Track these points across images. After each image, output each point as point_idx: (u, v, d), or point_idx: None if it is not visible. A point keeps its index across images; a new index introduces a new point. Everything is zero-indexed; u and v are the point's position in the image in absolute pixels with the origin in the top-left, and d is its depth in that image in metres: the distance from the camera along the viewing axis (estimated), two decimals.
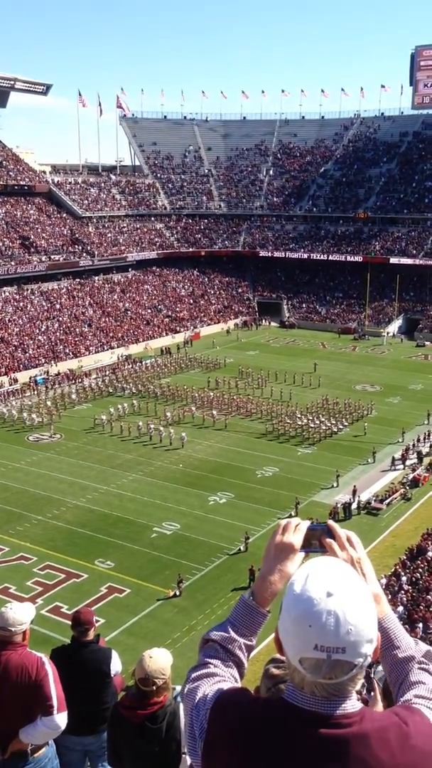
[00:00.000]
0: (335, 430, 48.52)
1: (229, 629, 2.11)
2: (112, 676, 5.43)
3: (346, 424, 49.78)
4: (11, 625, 4.28)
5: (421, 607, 25.33)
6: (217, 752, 1.83)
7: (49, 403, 54.15)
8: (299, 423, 48.83)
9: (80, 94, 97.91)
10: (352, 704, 1.76)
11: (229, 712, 1.86)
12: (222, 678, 2.00)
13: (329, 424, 48.86)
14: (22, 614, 4.36)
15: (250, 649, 2.12)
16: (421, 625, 23.99)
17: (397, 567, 29.26)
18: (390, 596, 26.33)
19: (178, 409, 52.05)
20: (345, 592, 1.74)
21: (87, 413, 51.96)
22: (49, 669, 4.27)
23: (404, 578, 27.93)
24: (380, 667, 3.27)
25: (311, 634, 1.71)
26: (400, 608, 25.07)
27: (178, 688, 4.57)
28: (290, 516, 36.19)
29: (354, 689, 1.78)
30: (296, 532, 2.15)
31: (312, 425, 48.40)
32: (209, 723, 1.87)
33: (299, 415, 49.97)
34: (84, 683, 5.11)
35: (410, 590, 27.03)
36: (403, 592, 26.75)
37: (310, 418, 49.60)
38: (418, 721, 1.78)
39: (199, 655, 2.12)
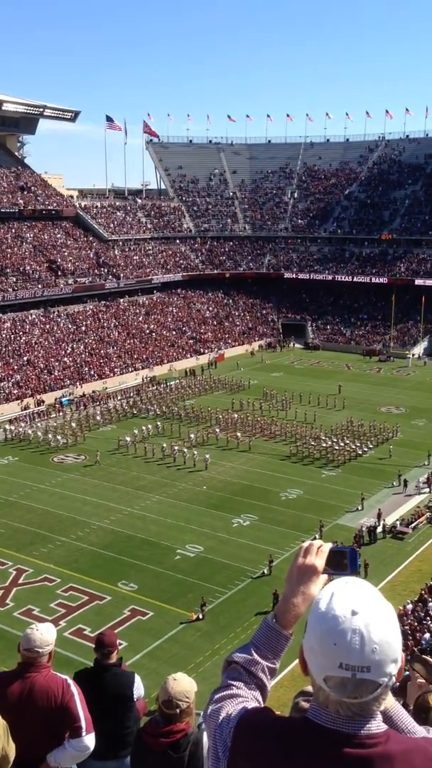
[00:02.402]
0: (360, 452, 48.15)
1: (253, 652, 2.12)
2: (135, 700, 5.40)
3: (371, 446, 49.38)
4: (38, 646, 4.25)
5: None
6: (240, 765, 1.85)
7: (74, 424, 54.46)
8: (323, 445, 48.54)
9: (109, 120, 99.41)
10: (377, 725, 1.75)
11: (252, 730, 1.86)
12: (245, 699, 2.01)
13: (354, 447, 48.50)
14: (48, 635, 4.34)
15: (273, 672, 2.12)
16: None
17: (423, 593, 28.76)
18: (416, 623, 25.89)
19: (202, 431, 52.04)
20: (370, 611, 1.75)
21: (111, 434, 52.15)
22: (75, 690, 4.26)
23: (431, 604, 27.44)
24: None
25: (336, 653, 1.72)
26: (427, 635, 24.62)
27: (212, 692, 4.52)
28: (314, 539, 35.87)
29: (379, 709, 1.77)
30: (319, 554, 2.14)
31: (336, 447, 48.09)
32: (233, 741, 1.88)
33: (323, 437, 49.70)
34: (106, 707, 5.08)
35: None
36: (429, 618, 26.27)
37: (335, 440, 49.30)
38: None
39: (222, 677, 2.13)
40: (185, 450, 47.30)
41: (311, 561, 2.13)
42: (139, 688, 5.44)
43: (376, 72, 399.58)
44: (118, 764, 5.24)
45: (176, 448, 47.60)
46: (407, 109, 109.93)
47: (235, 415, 55.43)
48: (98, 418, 56.44)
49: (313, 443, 48.96)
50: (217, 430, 51.82)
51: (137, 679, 5.48)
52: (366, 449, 48.68)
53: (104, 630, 7.25)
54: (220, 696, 2.04)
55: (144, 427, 52.16)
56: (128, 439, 49.55)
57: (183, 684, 3.87)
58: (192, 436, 50.24)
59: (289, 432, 51.68)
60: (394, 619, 1.79)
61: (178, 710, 3.82)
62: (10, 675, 4.30)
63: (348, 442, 49.13)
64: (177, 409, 58.10)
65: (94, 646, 5.55)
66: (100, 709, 4.81)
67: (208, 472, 44.76)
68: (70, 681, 4.32)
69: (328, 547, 2.16)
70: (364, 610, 1.74)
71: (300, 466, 46.39)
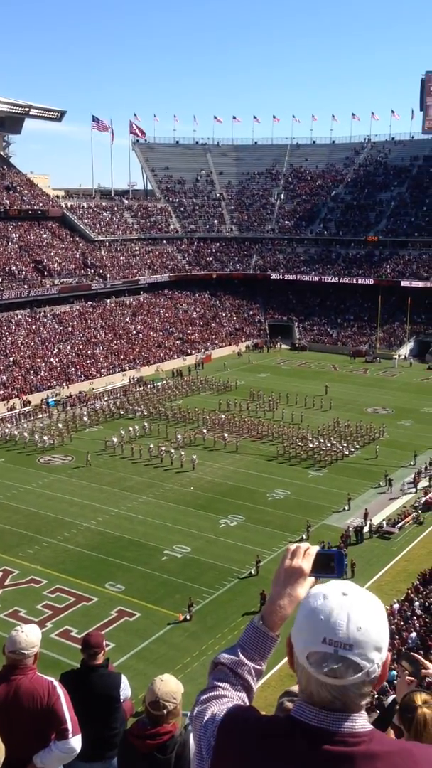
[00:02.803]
0: (346, 452, 48.32)
1: (239, 653, 2.12)
2: (122, 701, 5.39)
3: (357, 446, 49.58)
4: (23, 648, 4.24)
5: None
6: (224, 765, 1.86)
7: (60, 425, 54.28)
8: (310, 446, 48.67)
9: (95, 120, 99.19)
10: (362, 724, 1.76)
11: (237, 728, 1.87)
12: (231, 700, 2.02)
13: (340, 447, 48.68)
14: (33, 637, 4.32)
15: (260, 673, 2.12)
16: None
17: (410, 592, 28.91)
18: (402, 622, 26.01)
19: (189, 432, 52.04)
20: (360, 595, 1.80)
21: (98, 435, 52.03)
22: (61, 692, 4.24)
23: (417, 603, 27.58)
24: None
25: (322, 627, 1.75)
26: (413, 634, 24.73)
27: (198, 693, 4.51)
28: (301, 539, 35.99)
29: (361, 704, 1.77)
30: (306, 556, 2.15)
31: (323, 448, 48.24)
32: (217, 740, 1.89)
33: (310, 438, 49.83)
34: (93, 708, 5.06)
35: (423, 616, 26.67)
36: (416, 617, 26.40)
37: (322, 440, 49.45)
38: (424, 751, 1.78)
39: (209, 678, 2.13)
40: (172, 451, 47.28)
41: (298, 563, 2.13)
42: (125, 689, 5.42)
43: (361, 74, 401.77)
44: (105, 765, 5.23)
45: (163, 448, 47.57)
46: (393, 112, 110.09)
47: (222, 416, 55.47)
48: (85, 418, 56.29)
49: (300, 444, 49.09)
50: (204, 431, 51.83)
51: (124, 680, 5.46)
52: (353, 449, 48.87)
53: (91, 631, 7.23)
54: (205, 697, 2.04)
55: (131, 428, 52.07)
56: (115, 439, 49.45)
57: (170, 685, 3.86)
58: (179, 436, 50.23)
59: (276, 433, 51.79)
60: (382, 609, 1.82)
61: (165, 711, 3.81)
62: None
63: (335, 442, 49.31)
64: (164, 409, 58.06)
65: (80, 647, 5.52)
66: (87, 710, 4.79)
67: (196, 473, 44.75)
68: (56, 683, 4.30)
69: (315, 549, 2.16)
70: (354, 593, 1.79)
71: (287, 466, 46.49)
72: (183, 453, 46.65)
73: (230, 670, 2.10)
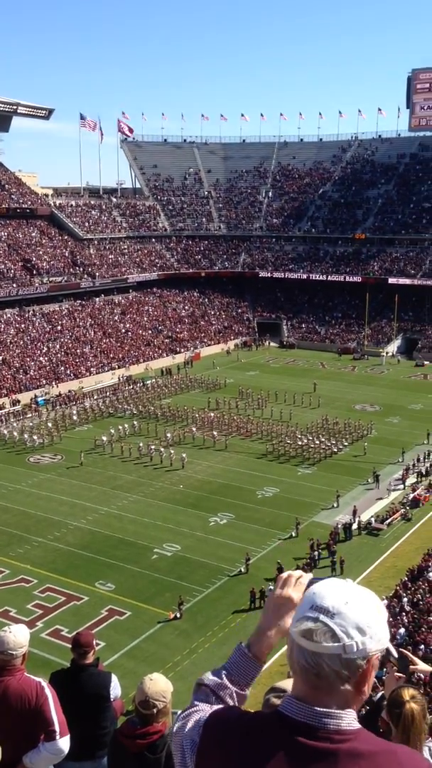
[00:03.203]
0: (335, 450, 48.50)
1: (223, 676, 2.12)
2: (112, 700, 5.43)
3: (346, 444, 49.77)
4: (11, 648, 4.24)
5: (423, 629, 25.16)
6: (208, 761, 1.88)
7: (50, 424, 54.15)
8: (299, 443, 48.81)
9: (83, 117, 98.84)
10: (349, 722, 1.77)
11: (221, 724, 1.90)
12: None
13: (329, 444, 48.85)
14: (21, 637, 4.32)
15: (243, 699, 2.12)
16: (423, 646, 23.82)
17: (398, 588, 29.10)
18: (391, 618, 26.17)
19: (179, 430, 52.06)
20: (360, 587, 1.87)
21: (88, 434, 51.94)
22: (49, 693, 4.25)
23: (405, 599, 27.78)
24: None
25: (313, 598, 1.82)
26: (402, 630, 24.92)
27: (179, 713, 4.56)
28: (290, 537, 36.13)
29: (337, 692, 1.78)
30: (297, 586, 2.11)
31: (312, 445, 48.38)
32: (201, 737, 1.91)
33: (299, 436, 49.97)
34: (83, 707, 5.09)
35: (411, 611, 26.87)
36: (404, 613, 26.59)
37: (310, 438, 49.60)
38: (409, 753, 1.82)
39: (191, 698, 2.13)
40: (162, 449, 47.28)
41: (288, 593, 2.11)
42: (115, 688, 5.46)
43: (348, 72, 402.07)
44: (95, 764, 5.26)
45: (152, 447, 47.56)
46: (380, 109, 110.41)
47: (212, 414, 55.51)
48: (74, 417, 56.18)
49: (288, 441, 49.22)
50: (194, 429, 51.86)
51: (114, 679, 5.50)
52: (341, 447, 49.05)
53: (81, 630, 7.25)
54: (185, 714, 2.05)
55: (120, 427, 52.04)
56: (104, 438, 49.40)
57: (160, 684, 3.91)
58: (168, 435, 50.24)
59: (265, 430, 51.88)
60: (378, 603, 1.86)
61: (154, 710, 3.86)
62: None
63: (323, 440, 49.47)
64: (153, 408, 58.03)
65: (70, 646, 5.56)
66: (77, 709, 4.83)
67: (185, 471, 44.79)
68: (44, 684, 4.31)
69: (307, 578, 2.12)
70: (355, 584, 1.86)
71: (276, 464, 46.61)
72: (173, 452, 46.67)
73: (213, 693, 2.10)
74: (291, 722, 1.78)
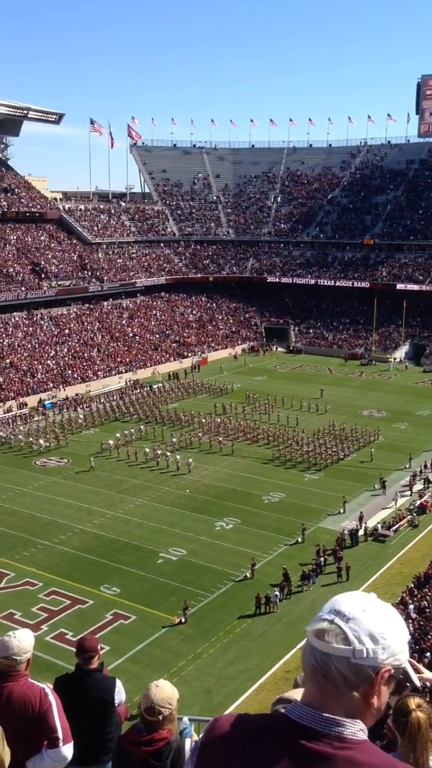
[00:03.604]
0: (342, 456, 48.39)
1: None
2: (116, 705, 5.41)
3: (352, 449, 49.65)
4: (16, 654, 4.22)
5: (429, 636, 25.04)
6: (208, 761, 1.88)
7: (56, 427, 54.22)
8: (306, 449, 48.70)
9: (92, 122, 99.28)
10: (353, 732, 1.76)
11: (226, 725, 1.90)
12: None
13: (336, 450, 48.73)
14: (26, 642, 4.29)
15: None
16: (429, 654, 23.71)
17: (405, 595, 28.98)
18: None
19: (185, 435, 52.06)
20: (382, 602, 1.87)
21: (94, 438, 52.00)
22: (53, 700, 4.24)
23: (411, 606, 27.66)
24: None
25: (334, 602, 1.85)
26: (408, 637, 24.76)
27: (185, 719, 4.55)
28: (296, 542, 36.03)
29: (341, 700, 1.76)
30: None
31: (318, 452, 48.27)
32: (205, 736, 1.93)
33: (306, 441, 49.86)
34: (87, 713, 5.08)
35: (418, 618, 26.75)
36: (410, 620, 26.47)
37: (317, 443, 49.49)
38: None
39: None
40: (168, 454, 47.25)
41: None
42: (120, 694, 5.44)
43: (358, 78, 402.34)
44: None
45: (159, 452, 47.56)
46: (389, 115, 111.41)
47: (218, 419, 55.49)
48: (81, 421, 56.26)
49: (295, 447, 49.12)
50: (200, 434, 51.85)
51: (118, 684, 5.48)
52: (348, 452, 48.92)
53: (85, 635, 7.25)
54: None
55: (127, 431, 52.08)
56: (111, 442, 49.44)
57: (165, 690, 3.88)
58: (175, 439, 50.23)
59: (272, 435, 51.80)
60: (399, 618, 1.87)
61: (160, 717, 3.83)
62: None
63: (330, 446, 49.34)
64: (160, 412, 58.07)
65: (75, 650, 5.55)
66: (81, 714, 4.81)
67: (191, 476, 44.76)
68: (48, 690, 4.29)
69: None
70: (378, 599, 1.87)
71: (282, 469, 46.54)
72: (179, 456, 46.63)
73: None
74: (295, 725, 1.79)
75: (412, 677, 2.00)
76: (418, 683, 2.10)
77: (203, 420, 55.00)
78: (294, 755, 1.74)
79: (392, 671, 1.81)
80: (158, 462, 46.67)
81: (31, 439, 51.10)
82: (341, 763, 1.71)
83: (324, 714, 1.78)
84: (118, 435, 50.77)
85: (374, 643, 1.77)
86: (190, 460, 45.90)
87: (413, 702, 3.07)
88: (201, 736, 1.97)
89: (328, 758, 1.71)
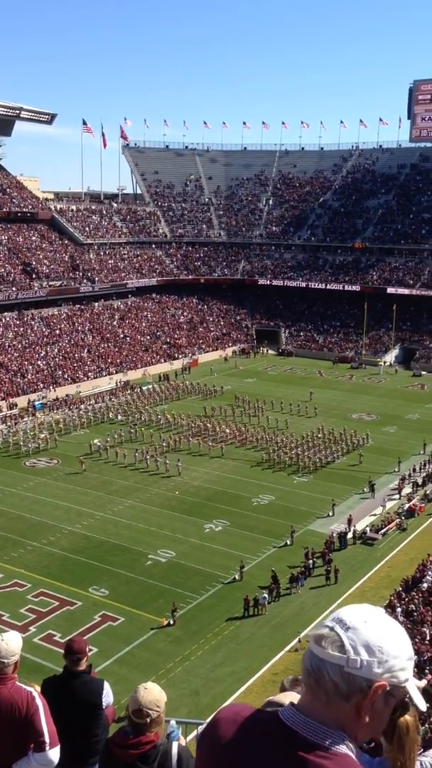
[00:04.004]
0: (331, 459, 48.47)
1: None
2: (104, 707, 5.42)
3: (342, 453, 49.75)
4: (3, 657, 4.21)
5: (417, 640, 25.12)
6: (203, 750, 1.93)
7: (46, 428, 54.03)
8: (295, 452, 48.74)
9: (85, 123, 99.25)
10: (334, 743, 1.75)
11: (226, 715, 1.93)
12: None
13: (325, 453, 48.82)
14: (14, 645, 4.28)
15: None
16: (416, 657, 23.77)
17: (392, 598, 29.06)
18: None
19: (175, 436, 52.02)
20: (388, 617, 1.86)
21: (84, 439, 51.88)
22: (40, 704, 4.23)
23: (399, 609, 27.74)
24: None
25: (339, 612, 1.84)
26: None
27: (172, 721, 4.55)
28: (285, 545, 36.07)
29: (332, 710, 1.75)
30: None
31: (308, 454, 48.34)
32: (207, 725, 1.96)
33: (295, 444, 49.92)
34: (75, 715, 5.07)
35: (405, 622, 26.81)
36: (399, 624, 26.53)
37: (307, 446, 49.55)
38: None
39: None
40: (158, 458, 47.03)
41: None
42: (108, 696, 5.44)
43: (350, 82, 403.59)
44: None
45: (148, 456, 47.35)
46: (381, 119, 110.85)
47: (208, 421, 55.43)
48: (71, 422, 56.10)
49: (285, 451, 49.12)
50: (189, 437, 51.79)
51: (106, 686, 5.48)
52: (334, 458, 48.97)
53: (74, 636, 7.23)
54: None
55: (116, 432, 51.97)
56: (98, 443, 49.33)
57: (153, 693, 3.89)
58: (163, 443, 50.17)
59: (261, 438, 51.81)
60: (404, 634, 1.84)
61: (148, 719, 3.84)
62: None
63: (315, 450, 49.30)
64: (150, 414, 57.99)
65: (63, 652, 5.55)
66: (69, 716, 4.81)
67: (181, 477, 44.74)
68: (35, 693, 4.28)
69: None
70: (387, 615, 1.86)
71: (272, 472, 46.58)
72: (167, 459, 46.47)
73: None
74: (281, 726, 1.80)
75: (415, 699, 1.97)
76: (422, 706, 2.09)
77: (193, 422, 54.95)
78: (276, 756, 1.76)
79: (388, 687, 1.78)
80: (147, 463, 46.59)
81: (21, 439, 50.81)
82: None
83: (309, 720, 1.78)
84: (107, 436, 50.66)
85: (370, 655, 1.75)
86: (179, 463, 45.81)
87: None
88: (205, 724, 2.02)
89: (302, 763, 1.71)
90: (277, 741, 1.79)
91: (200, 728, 2.04)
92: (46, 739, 4.16)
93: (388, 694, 1.79)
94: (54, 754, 4.20)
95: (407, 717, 3.07)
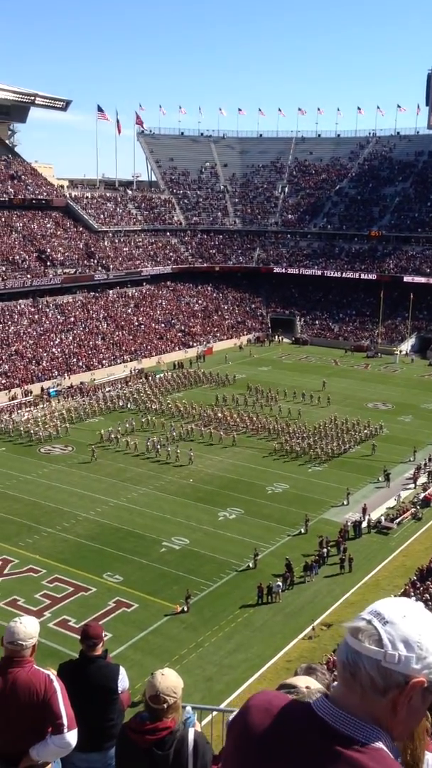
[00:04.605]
0: (346, 448, 48.30)
1: None
2: (120, 692, 5.41)
3: (356, 442, 49.55)
4: (22, 639, 4.23)
5: None
6: (230, 736, 1.91)
7: (61, 415, 54.19)
8: (307, 443, 48.54)
9: (100, 109, 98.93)
10: (367, 736, 1.72)
11: (257, 702, 1.91)
12: None
13: (339, 442, 48.64)
14: (32, 628, 4.30)
15: None
16: None
17: (407, 587, 29.01)
18: None
19: (190, 424, 52.02)
20: (427, 614, 1.80)
21: (98, 426, 52.01)
22: (58, 686, 4.23)
23: (414, 598, 27.65)
24: None
25: (376, 604, 1.80)
26: None
27: (189, 708, 4.52)
28: (299, 533, 36.05)
29: (366, 704, 1.72)
30: None
31: (321, 444, 48.17)
32: (238, 712, 1.94)
33: (308, 434, 49.74)
34: (91, 699, 5.08)
35: None
36: None
37: (320, 436, 49.37)
38: None
39: None
40: (168, 447, 46.77)
41: None
42: (123, 681, 5.44)
43: (367, 68, 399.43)
44: (102, 756, 5.25)
45: (159, 445, 47.06)
46: (399, 106, 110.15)
47: (223, 409, 55.36)
48: (86, 409, 56.25)
49: (298, 440, 48.92)
50: (203, 425, 51.74)
51: (122, 671, 5.48)
52: (347, 447, 48.75)
53: (89, 622, 7.25)
54: None
55: (130, 420, 52.04)
56: (111, 430, 49.40)
57: (171, 679, 3.86)
58: (173, 431, 50.11)
59: (273, 428, 51.60)
60: None
61: (165, 705, 3.81)
62: None
63: (328, 440, 49.03)
64: (164, 401, 58.02)
65: (80, 637, 5.54)
66: (85, 701, 4.81)
67: (195, 465, 44.77)
68: (53, 676, 4.29)
69: None
70: (424, 609, 1.81)
71: (286, 460, 46.51)
72: (178, 450, 46.10)
73: None
74: (313, 716, 1.77)
75: None
76: None
77: (207, 410, 54.82)
78: (308, 748, 1.73)
79: (426, 684, 1.74)
80: (158, 451, 46.58)
81: (36, 426, 50.94)
82: (342, 764, 1.67)
83: (342, 712, 1.75)
84: (121, 424, 50.73)
85: (408, 650, 1.71)
86: (191, 452, 45.70)
87: None
88: (236, 712, 1.99)
89: (336, 756, 1.68)
90: (310, 732, 1.75)
91: (230, 716, 1.98)
92: (64, 721, 4.16)
93: (425, 690, 1.74)
94: (72, 736, 4.19)
95: None
